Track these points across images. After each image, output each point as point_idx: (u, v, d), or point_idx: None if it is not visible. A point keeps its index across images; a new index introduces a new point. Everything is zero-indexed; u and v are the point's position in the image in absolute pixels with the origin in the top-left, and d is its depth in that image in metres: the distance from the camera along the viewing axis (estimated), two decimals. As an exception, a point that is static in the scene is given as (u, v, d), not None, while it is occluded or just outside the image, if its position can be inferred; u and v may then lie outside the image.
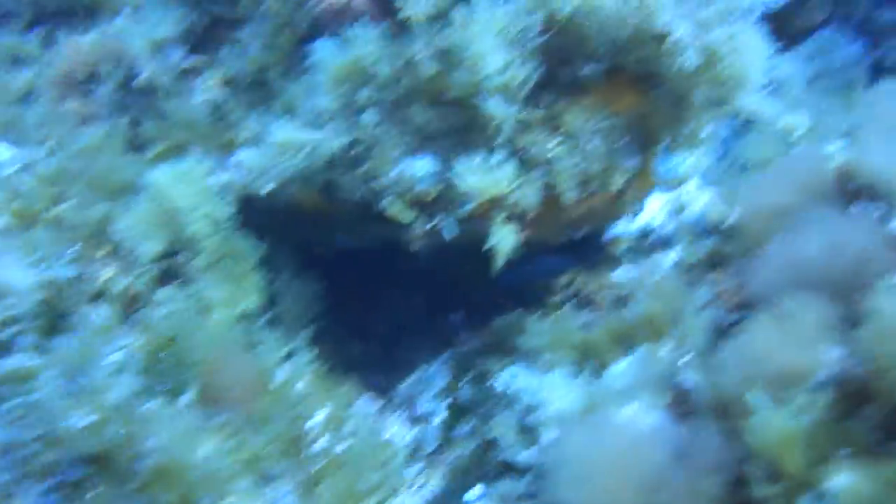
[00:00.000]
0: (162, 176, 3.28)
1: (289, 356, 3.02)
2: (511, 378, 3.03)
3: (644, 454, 2.11)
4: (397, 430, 3.75)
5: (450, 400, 3.68)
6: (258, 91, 3.74)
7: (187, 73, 3.79)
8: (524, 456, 2.66)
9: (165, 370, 2.40)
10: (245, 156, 3.62)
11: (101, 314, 2.41)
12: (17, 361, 1.96)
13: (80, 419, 1.96)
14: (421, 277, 4.54)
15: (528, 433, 2.73)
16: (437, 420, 3.61)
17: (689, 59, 2.86)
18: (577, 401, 2.61)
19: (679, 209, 3.94)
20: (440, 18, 3.00)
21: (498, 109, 2.88)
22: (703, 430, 2.10)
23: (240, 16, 3.75)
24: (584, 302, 3.55)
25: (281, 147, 3.16)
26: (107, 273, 3.06)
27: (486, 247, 3.24)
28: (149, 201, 3.23)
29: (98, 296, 2.92)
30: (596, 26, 2.90)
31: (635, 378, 2.49)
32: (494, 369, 3.56)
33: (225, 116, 3.74)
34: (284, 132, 3.16)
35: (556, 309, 3.61)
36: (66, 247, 2.90)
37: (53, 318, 2.29)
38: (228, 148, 3.71)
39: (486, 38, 2.80)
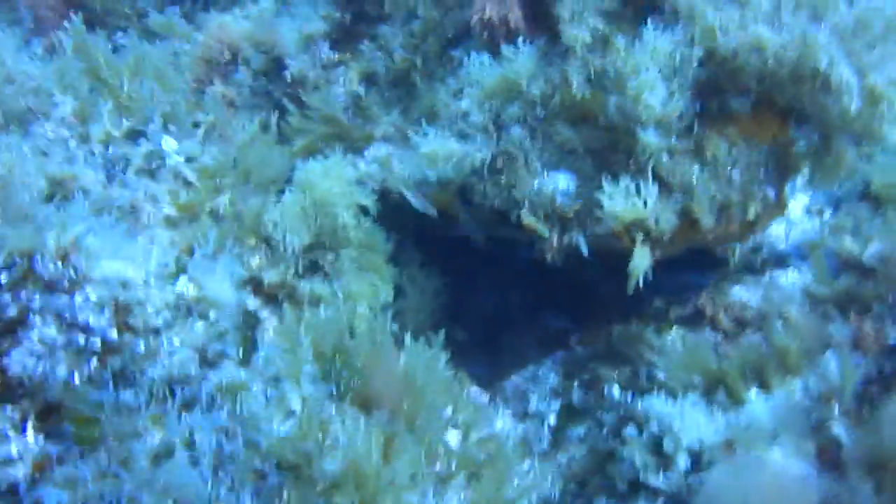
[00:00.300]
0: (310, 170, 3.41)
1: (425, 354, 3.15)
2: (639, 396, 3.13)
3: (795, 502, 2.22)
4: (506, 425, 3.91)
5: (561, 401, 3.80)
6: (398, 89, 3.85)
7: (328, 67, 3.91)
8: (658, 480, 2.78)
9: (334, 375, 2.55)
10: (384, 153, 3.77)
11: (278, 321, 2.55)
12: (227, 374, 2.13)
13: (280, 429, 2.13)
14: (525, 273, 4.64)
15: (662, 456, 2.84)
16: (548, 420, 3.74)
17: (852, 100, 2.88)
18: (715, 433, 2.71)
19: (801, 234, 3.97)
20: (599, 42, 3.06)
21: (653, 139, 2.95)
22: (857, 485, 2.20)
23: (384, 13, 3.85)
24: (703, 319, 3.62)
25: (429, 157, 3.26)
26: (257, 262, 3.22)
27: (622, 265, 3.34)
28: (298, 194, 3.37)
29: (253, 286, 3.11)
30: (756, 62, 2.92)
31: (776, 418, 2.58)
32: (608, 376, 3.68)
33: (364, 111, 3.87)
34: (433, 143, 3.26)
35: (673, 324, 3.69)
36: (228, 241, 3.08)
37: (250, 328, 2.45)
38: (366, 141, 3.85)
39: (650, 68, 2.85)
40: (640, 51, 2.90)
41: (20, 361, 1.71)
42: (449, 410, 3.16)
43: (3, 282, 1.74)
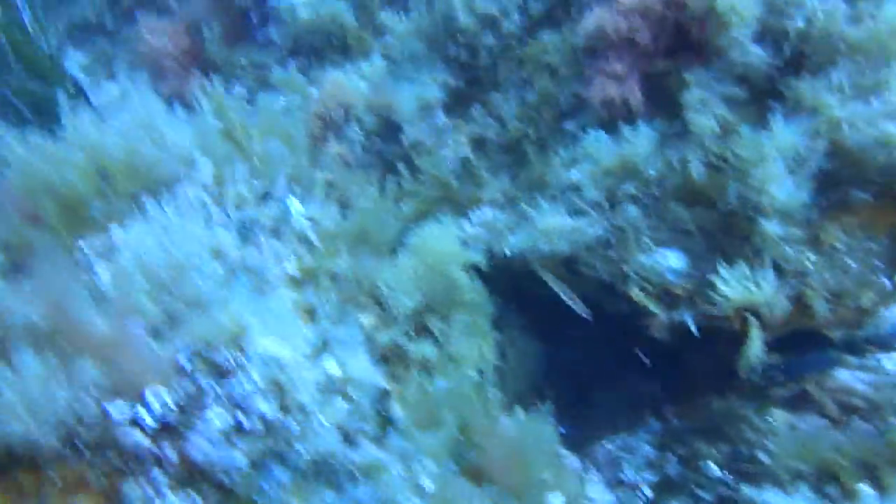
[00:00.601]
0: (424, 233, 3.51)
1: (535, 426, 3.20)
2: (741, 479, 3.13)
3: None
4: (598, 494, 3.92)
5: (656, 474, 3.80)
6: (508, 156, 3.93)
7: (441, 131, 4.01)
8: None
9: (457, 453, 2.62)
10: (490, 217, 3.85)
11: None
12: (366, 454, 2.21)
13: (416, 510, 2.20)
14: (616, 334, 4.64)
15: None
16: (643, 492, 3.74)
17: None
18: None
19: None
20: (723, 130, 3.10)
21: (775, 229, 2.97)
22: None
23: (497, 81, 3.96)
24: (807, 402, 3.59)
25: (544, 232, 3.33)
26: (370, 323, 3.32)
27: (721, 341, 3.36)
28: (412, 257, 3.47)
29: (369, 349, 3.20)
30: (882, 157, 2.93)
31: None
32: (707, 453, 3.67)
33: (473, 175, 3.96)
34: (549, 219, 3.33)
35: (774, 404, 3.67)
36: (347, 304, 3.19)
37: (381, 402, 2.54)
38: (473, 205, 3.94)
39: (776, 159, 2.88)
40: (766, 140, 2.93)
41: (199, 447, 1.82)
42: (552, 481, 3.22)
43: (185, 367, 1.86)
